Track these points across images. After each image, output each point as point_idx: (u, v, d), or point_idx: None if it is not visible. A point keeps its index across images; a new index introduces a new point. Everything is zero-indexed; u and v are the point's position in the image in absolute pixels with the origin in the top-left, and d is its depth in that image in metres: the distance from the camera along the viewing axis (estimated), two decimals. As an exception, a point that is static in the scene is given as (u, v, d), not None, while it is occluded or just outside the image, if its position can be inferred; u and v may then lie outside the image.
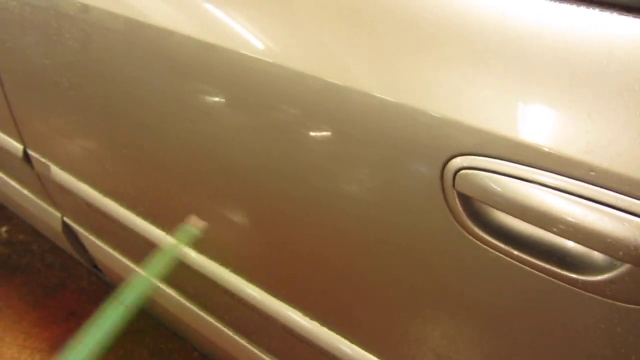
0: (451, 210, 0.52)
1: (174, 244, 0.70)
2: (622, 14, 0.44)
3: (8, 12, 0.91)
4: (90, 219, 1.11)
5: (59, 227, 1.21)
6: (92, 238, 1.15)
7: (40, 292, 1.77)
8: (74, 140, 1.00)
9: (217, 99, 0.70)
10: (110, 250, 1.13)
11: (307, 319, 0.77)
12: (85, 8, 0.78)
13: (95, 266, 1.27)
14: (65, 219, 1.19)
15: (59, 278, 1.84)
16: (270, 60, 0.61)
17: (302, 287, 0.77)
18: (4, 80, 1.00)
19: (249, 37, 0.64)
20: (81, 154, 1.01)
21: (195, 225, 0.73)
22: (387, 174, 0.56)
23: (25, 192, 1.23)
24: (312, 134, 0.61)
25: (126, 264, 1.11)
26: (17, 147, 1.09)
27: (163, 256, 0.71)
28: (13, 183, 1.23)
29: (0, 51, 0.96)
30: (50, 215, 1.21)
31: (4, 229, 2.02)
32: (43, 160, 1.06)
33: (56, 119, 0.99)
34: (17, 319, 1.67)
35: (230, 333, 0.97)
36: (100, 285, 1.80)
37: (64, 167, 1.04)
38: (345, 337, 0.73)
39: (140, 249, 1.04)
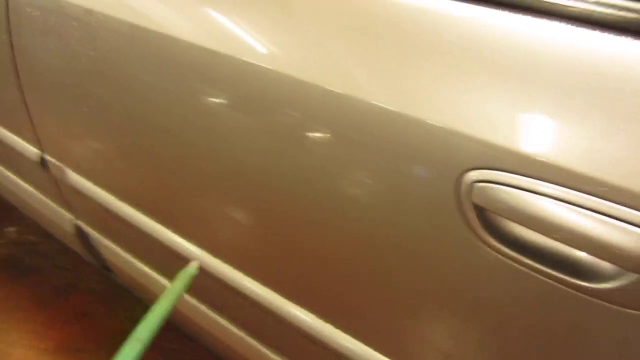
0: (465, 220, 0.54)
1: (178, 286, 0.74)
2: (636, 39, 0.46)
3: (30, 20, 0.94)
4: (104, 223, 1.14)
5: (72, 229, 1.24)
6: (106, 241, 1.18)
7: (51, 293, 1.79)
8: (91, 145, 1.02)
9: (229, 106, 0.72)
10: (124, 253, 1.15)
11: (320, 321, 0.79)
12: (101, 17, 0.80)
13: (107, 268, 1.29)
14: (79, 222, 1.21)
15: (69, 279, 1.86)
16: (281, 70, 0.63)
17: (315, 290, 0.80)
18: (24, 87, 1.03)
19: (260, 47, 0.66)
20: (98, 159, 1.04)
21: (192, 266, 0.78)
22: (401, 183, 0.58)
23: (39, 195, 1.25)
24: (323, 143, 0.63)
25: (139, 267, 1.14)
26: (34, 152, 1.12)
27: (170, 295, 0.74)
28: (27, 186, 1.26)
29: (22, 58, 0.99)
30: (63, 218, 1.23)
31: (14, 229, 2.05)
32: (60, 165, 1.08)
33: (75, 125, 1.02)
34: (28, 319, 1.69)
35: (243, 334, 0.99)
36: (109, 286, 1.82)
37: (81, 172, 1.06)
38: (360, 340, 0.75)
39: (153, 252, 1.06)
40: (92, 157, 1.05)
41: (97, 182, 1.05)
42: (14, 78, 1.02)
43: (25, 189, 1.26)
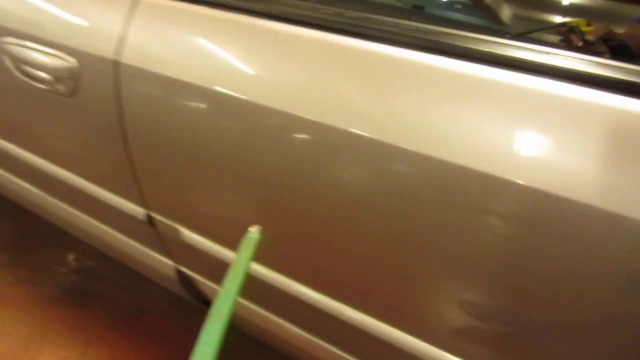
0: None
1: (245, 255, 0.75)
2: None
3: (139, 95, 0.96)
4: (211, 269, 1.19)
5: (173, 274, 1.29)
6: (211, 283, 1.24)
7: (122, 316, 1.82)
8: (199, 203, 1.07)
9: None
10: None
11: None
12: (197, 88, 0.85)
13: (207, 304, 1.36)
14: (181, 267, 1.27)
15: (137, 302, 1.90)
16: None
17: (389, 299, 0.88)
18: (133, 153, 1.06)
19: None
20: (207, 216, 1.08)
21: (252, 231, 0.80)
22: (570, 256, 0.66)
23: (137, 244, 1.29)
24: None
25: (246, 305, 1.21)
26: (139, 211, 1.16)
27: (239, 266, 0.75)
28: (126, 238, 1.30)
29: (132, 128, 1.02)
30: (165, 265, 1.28)
31: (71, 257, 2.07)
32: (168, 222, 1.13)
33: (184, 185, 1.06)
34: (107, 344, 1.72)
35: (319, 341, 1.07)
36: (180, 306, 1.88)
37: (189, 227, 1.11)
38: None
39: (257, 291, 1.13)
40: (197, 213, 1.10)
41: (204, 234, 1.10)
42: (122, 146, 1.05)
43: (126, 242, 1.30)
